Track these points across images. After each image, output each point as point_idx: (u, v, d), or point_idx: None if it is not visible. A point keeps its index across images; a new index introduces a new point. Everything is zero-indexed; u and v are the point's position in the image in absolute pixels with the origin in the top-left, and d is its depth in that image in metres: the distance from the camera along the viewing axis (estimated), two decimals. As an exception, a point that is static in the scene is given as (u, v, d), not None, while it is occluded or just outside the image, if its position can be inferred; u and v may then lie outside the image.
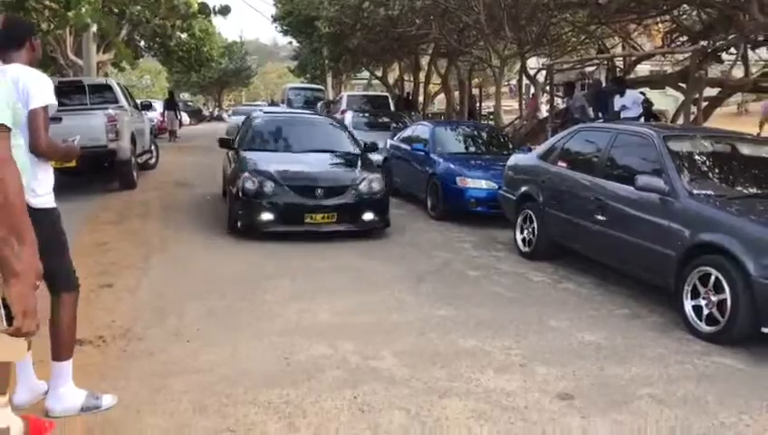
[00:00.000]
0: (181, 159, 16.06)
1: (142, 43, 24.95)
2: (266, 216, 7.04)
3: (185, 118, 32.57)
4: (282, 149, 8.43)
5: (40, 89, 2.97)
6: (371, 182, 7.45)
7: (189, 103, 46.24)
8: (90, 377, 3.54)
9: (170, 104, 23.06)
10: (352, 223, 7.30)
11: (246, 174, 7.15)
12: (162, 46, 25.04)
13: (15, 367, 3.09)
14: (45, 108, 2.98)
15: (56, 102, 3.08)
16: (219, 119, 42.61)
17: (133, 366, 3.74)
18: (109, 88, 11.38)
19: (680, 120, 12.27)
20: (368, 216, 7.34)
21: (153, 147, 13.86)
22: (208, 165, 14.73)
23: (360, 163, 8.02)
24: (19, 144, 2.54)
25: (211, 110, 53.92)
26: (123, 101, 11.19)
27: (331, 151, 8.40)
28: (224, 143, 8.86)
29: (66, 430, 2.98)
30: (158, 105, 24.93)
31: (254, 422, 3.11)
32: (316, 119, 10.14)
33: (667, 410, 3.40)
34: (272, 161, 7.56)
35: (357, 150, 8.62)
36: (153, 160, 13.76)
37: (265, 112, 10.80)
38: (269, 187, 7.07)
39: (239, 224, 7.14)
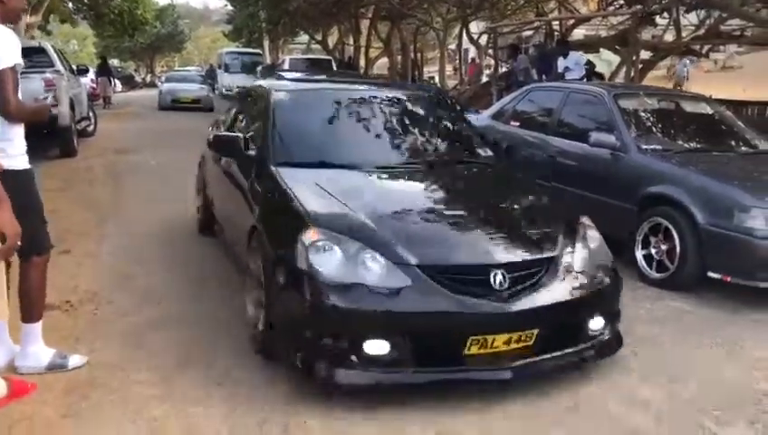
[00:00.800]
0: (118, 126, 15.55)
1: (71, 5, 23.79)
2: (376, 347, 2.90)
3: (117, 85, 31.41)
4: (353, 160, 3.97)
5: (5, 48, 2.86)
6: (589, 246, 3.59)
7: (119, 69, 44.57)
8: (65, 341, 3.51)
9: (103, 70, 22.17)
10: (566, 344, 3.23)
11: (316, 236, 3.06)
12: (93, 9, 23.92)
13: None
14: (13, 68, 2.88)
15: (22, 62, 2.98)
16: (152, 85, 41.24)
17: (108, 328, 3.72)
18: (43, 51, 10.84)
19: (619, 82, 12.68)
20: (596, 323, 3.35)
21: (91, 113, 13.37)
22: (147, 131, 14.39)
23: (534, 195, 4.12)
24: None
25: (143, 76, 52.13)
26: (59, 65, 10.70)
27: (455, 162, 4.39)
28: (223, 144, 4.42)
29: (49, 391, 2.96)
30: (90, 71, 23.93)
31: (240, 375, 3.16)
32: (398, 92, 4.93)
33: (625, 348, 3.62)
34: (358, 196, 3.51)
35: (493, 154, 4.59)
36: (91, 127, 13.27)
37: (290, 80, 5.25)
38: (381, 270, 2.97)
39: (300, 358, 2.98)
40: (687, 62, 24.02)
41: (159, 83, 27.47)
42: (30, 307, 3.13)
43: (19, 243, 2.55)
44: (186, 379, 3.10)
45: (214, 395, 2.96)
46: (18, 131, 2.97)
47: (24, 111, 2.99)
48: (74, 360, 3.21)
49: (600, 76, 13.09)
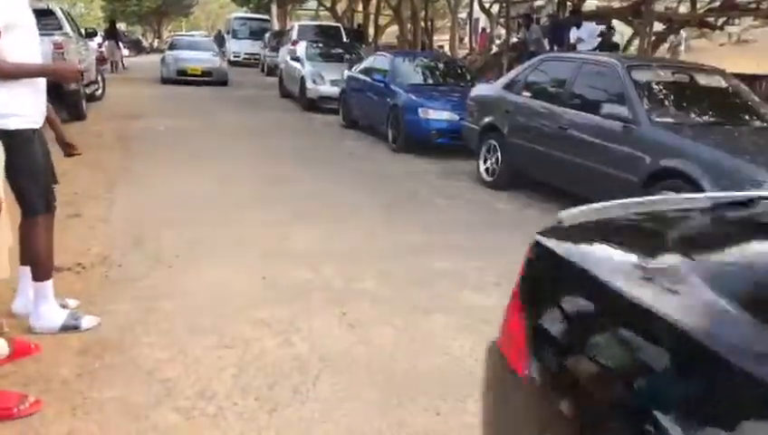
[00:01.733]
0: (127, 91, 15.51)
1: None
2: None
3: (124, 50, 31.19)
4: None
5: None
6: None
7: (126, 34, 44.16)
8: (78, 302, 3.55)
9: (111, 34, 22.02)
10: None
11: None
12: (99, -29, 23.64)
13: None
14: None
15: (15, 20, 2.84)
16: (160, 51, 40.92)
17: (119, 291, 3.76)
18: (51, 13, 10.73)
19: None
20: None
21: (99, 77, 13.32)
22: (156, 96, 14.33)
23: None
24: None
25: (150, 41, 51.67)
26: (68, 28, 10.62)
27: None
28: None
29: (63, 351, 3.01)
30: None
31: (250, 339, 3.20)
32: None
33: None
34: None
35: None
36: (99, 92, 13.23)
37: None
38: None
39: None
40: (683, 34, 23.63)
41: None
42: (35, 266, 3.15)
43: None
44: (196, 343, 3.13)
45: (225, 357, 3.00)
46: (10, 91, 2.85)
47: (6, 70, 2.82)
48: (87, 321, 3.24)
49: (616, 47, 12.93)
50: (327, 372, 2.92)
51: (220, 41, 29.14)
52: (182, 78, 17.40)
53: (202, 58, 18.24)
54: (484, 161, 7.08)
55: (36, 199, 3.09)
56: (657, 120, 5.17)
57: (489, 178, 7.00)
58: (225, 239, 4.80)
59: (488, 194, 6.68)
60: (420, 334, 3.36)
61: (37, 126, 3.01)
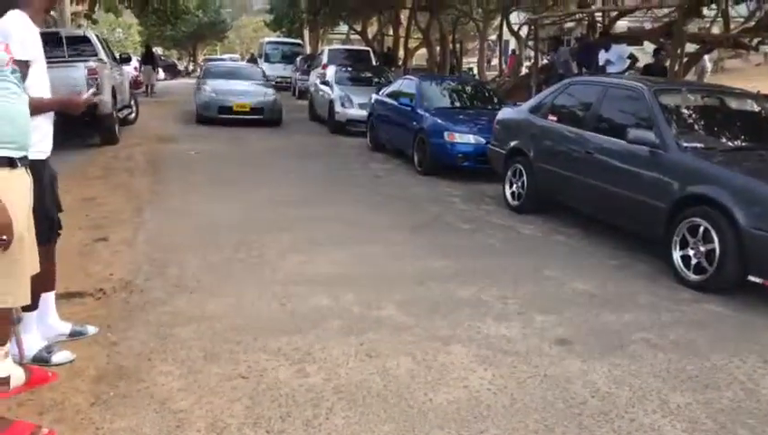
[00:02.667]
0: (161, 114, 15.80)
1: (116, -6, 24.15)
2: None
3: (161, 73, 31.88)
4: None
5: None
6: None
7: (163, 58, 45.16)
8: (97, 329, 3.57)
9: (148, 58, 22.52)
10: None
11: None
12: (136, -2, 24.26)
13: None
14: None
15: (37, 55, 2.92)
16: (195, 75, 41.77)
17: (138, 317, 3.77)
18: (87, 40, 11.07)
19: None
20: None
21: (133, 101, 13.61)
22: (189, 119, 14.53)
23: None
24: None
25: (186, 64, 52.80)
26: (102, 54, 10.92)
27: None
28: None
29: (80, 378, 3.02)
30: (134, 60, 24.32)
31: (265, 368, 3.17)
32: None
33: (661, 353, 3.54)
34: None
35: None
36: (133, 115, 13.52)
37: None
38: None
39: None
40: (707, 58, 23.23)
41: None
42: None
43: (5, 237, 2.49)
44: (211, 372, 3.12)
45: (239, 387, 2.98)
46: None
47: (31, 105, 2.79)
48: (60, 356, 3.16)
49: (664, 70, 12.73)
50: (341, 404, 2.88)
51: (253, 64, 29.59)
52: (226, 117, 13.43)
53: (250, 90, 14.16)
54: (510, 185, 7.00)
55: (39, 230, 3.11)
56: (686, 145, 5.05)
57: (515, 203, 6.92)
58: (248, 263, 4.81)
59: (514, 218, 6.60)
60: (438, 365, 3.30)
61: (46, 156, 3.04)
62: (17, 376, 2.87)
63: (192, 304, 3.98)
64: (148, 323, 3.69)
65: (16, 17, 2.85)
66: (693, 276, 4.64)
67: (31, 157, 2.84)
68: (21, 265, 2.67)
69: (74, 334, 3.42)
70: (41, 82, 2.96)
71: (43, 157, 3.01)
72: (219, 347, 3.39)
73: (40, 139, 2.98)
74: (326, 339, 3.54)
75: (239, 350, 3.36)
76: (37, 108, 2.89)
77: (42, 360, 3.15)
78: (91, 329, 3.49)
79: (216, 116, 13.48)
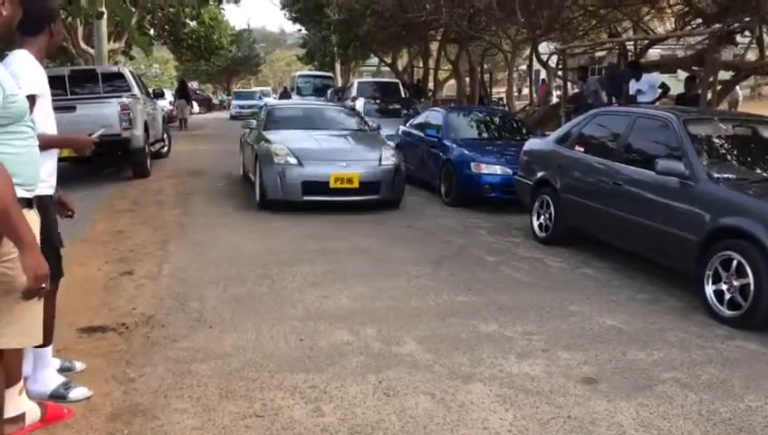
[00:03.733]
0: (193, 148, 16.12)
1: (152, 32, 24.95)
2: None
3: (195, 107, 32.61)
4: None
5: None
6: None
7: (198, 92, 46.24)
8: (116, 363, 3.59)
9: (182, 93, 23.06)
10: None
11: None
12: (172, 34, 25.01)
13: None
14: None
15: (43, 90, 2.94)
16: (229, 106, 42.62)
17: (157, 352, 3.76)
18: (121, 76, 11.38)
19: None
20: None
21: (165, 135, 13.90)
22: (220, 152, 14.76)
23: None
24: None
25: (220, 98, 53.93)
26: (136, 90, 11.19)
27: None
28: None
29: (95, 416, 3.00)
30: (168, 94, 24.94)
31: (280, 407, 3.12)
32: None
33: (692, 394, 3.39)
34: None
35: None
36: (165, 149, 13.80)
37: None
38: None
39: None
40: (739, 90, 22.83)
41: (248, 133, 9.94)
42: None
43: (44, 286, 2.47)
44: (226, 410, 3.08)
45: (252, 427, 2.93)
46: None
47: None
48: (77, 392, 3.16)
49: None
50: (356, 445, 2.81)
51: (287, 97, 29.80)
52: (319, 199, 8.00)
53: (349, 155, 8.32)
54: (538, 217, 6.90)
55: (51, 265, 3.10)
56: (717, 175, 4.92)
57: (542, 234, 6.81)
58: (268, 298, 4.79)
59: (541, 251, 6.48)
60: (458, 405, 3.20)
61: (53, 191, 3.07)
62: (33, 413, 2.87)
63: (211, 340, 3.96)
64: (167, 358, 3.67)
65: (23, 55, 2.91)
66: (727, 312, 4.48)
67: (39, 193, 2.86)
68: (38, 306, 2.69)
69: (63, 369, 3.39)
70: (46, 119, 3.00)
71: (51, 192, 3.04)
72: (235, 384, 3.35)
73: (49, 174, 3.00)
74: (344, 377, 3.48)
75: (255, 387, 3.32)
76: (45, 145, 2.92)
77: (59, 396, 3.14)
78: (79, 365, 3.48)
79: (299, 199, 7.94)
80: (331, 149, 8.44)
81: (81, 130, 4.00)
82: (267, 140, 8.54)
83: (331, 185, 7.88)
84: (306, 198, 7.90)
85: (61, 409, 2.99)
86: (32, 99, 2.82)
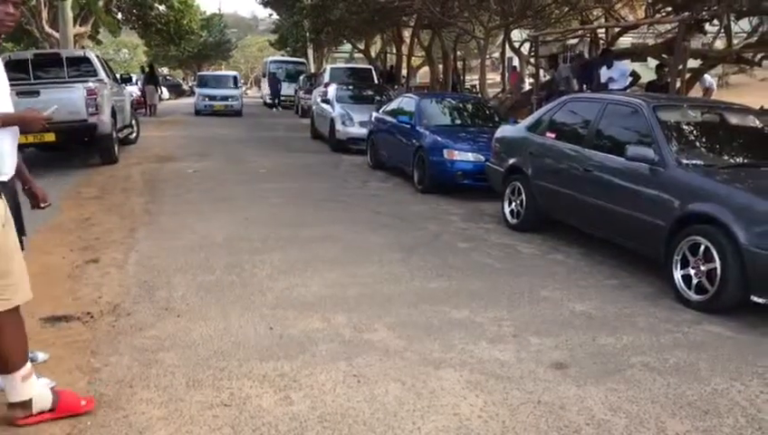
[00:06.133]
0: (162, 134, 15.85)
1: (120, 15, 24.40)
2: None
3: (164, 93, 32.07)
4: None
5: None
6: None
7: (168, 78, 45.48)
8: (80, 353, 3.50)
9: (150, 78, 22.62)
10: None
11: None
12: (140, 18, 24.49)
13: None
14: None
15: None
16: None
17: (123, 342, 3.68)
18: (87, 60, 11.10)
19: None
20: None
21: (133, 121, 13.63)
22: (189, 138, 14.56)
23: None
24: None
25: (190, 84, 53.14)
26: (102, 74, 10.94)
27: None
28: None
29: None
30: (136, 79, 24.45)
31: (249, 396, 3.07)
32: None
33: (659, 377, 3.42)
34: None
35: None
36: (134, 135, 13.55)
37: None
38: None
39: None
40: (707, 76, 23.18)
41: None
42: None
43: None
44: (193, 399, 3.02)
45: (220, 416, 2.88)
46: None
47: None
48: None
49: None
50: (326, 433, 2.77)
51: (272, 83, 28.15)
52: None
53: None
54: (509, 203, 6.91)
55: None
56: (686, 161, 4.96)
57: (514, 221, 6.82)
58: (238, 286, 4.72)
59: (512, 237, 6.50)
60: (428, 391, 3.19)
61: (8, 178, 2.89)
62: (42, 400, 2.76)
63: (178, 329, 3.89)
64: (133, 348, 3.60)
65: None
66: (694, 296, 4.53)
67: None
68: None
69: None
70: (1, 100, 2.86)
71: (5, 179, 2.88)
72: (203, 373, 3.29)
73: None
74: (314, 364, 3.44)
75: (223, 376, 3.27)
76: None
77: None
78: (42, 355, 3.38)
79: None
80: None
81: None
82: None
83: None
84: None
85: (77, 400, 2.87)
86: None
